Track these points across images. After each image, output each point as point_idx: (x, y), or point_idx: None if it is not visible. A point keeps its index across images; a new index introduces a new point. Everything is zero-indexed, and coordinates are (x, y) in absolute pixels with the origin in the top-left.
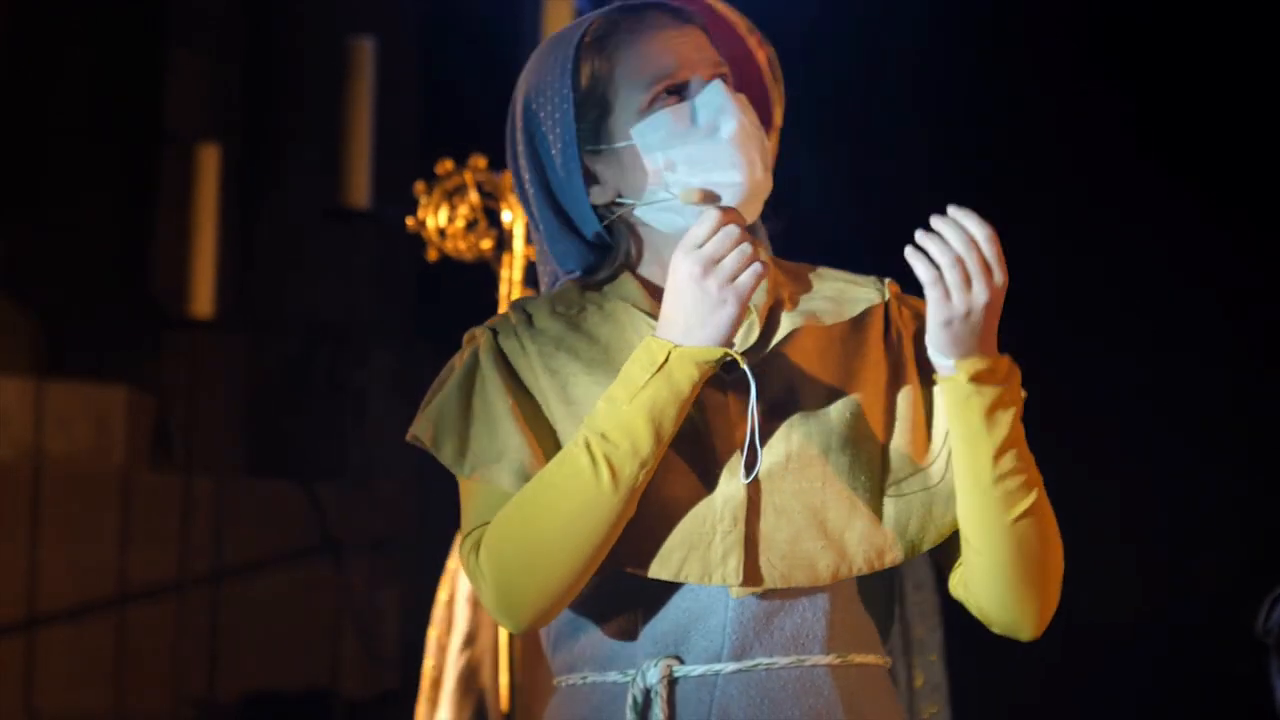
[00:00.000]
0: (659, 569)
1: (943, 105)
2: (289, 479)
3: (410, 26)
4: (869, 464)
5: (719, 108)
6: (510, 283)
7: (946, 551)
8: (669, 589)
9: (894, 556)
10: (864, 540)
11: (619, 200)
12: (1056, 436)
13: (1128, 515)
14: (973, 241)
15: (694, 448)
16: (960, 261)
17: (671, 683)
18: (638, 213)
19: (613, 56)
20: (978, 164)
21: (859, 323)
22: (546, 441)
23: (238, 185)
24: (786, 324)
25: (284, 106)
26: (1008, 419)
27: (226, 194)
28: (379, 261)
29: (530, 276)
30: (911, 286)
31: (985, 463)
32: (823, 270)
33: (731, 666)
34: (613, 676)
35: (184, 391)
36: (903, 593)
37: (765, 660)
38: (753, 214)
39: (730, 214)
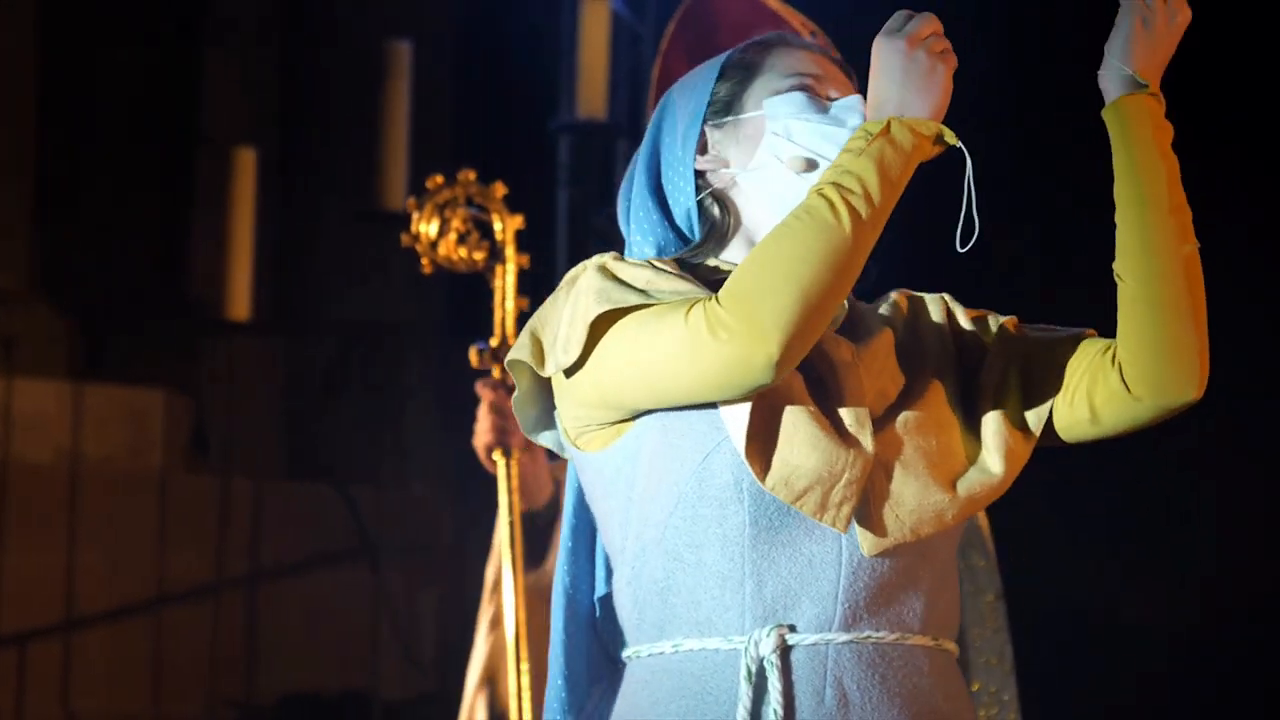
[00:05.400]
0: (784, 490)
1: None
2: (326, 481)
3: (447, 30)
4: (963, 413)
5: (851, 108)
6: (504, 290)
7: (1079, 373)
8: (776, 549)
9: (998, 490)
10: (981, 484)
11: (726, 173)
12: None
13: (1185, 519)
14: None
15: (828, 404)
16: None
17: (784, 652)
18: (740, 177)
19: (765, 53)
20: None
21: (928, 306)
22: None
23: (274, 188)
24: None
25: (320, 109)
26: (1173, 156)
27: (263, 197)
28: (414, 264)
29: (523, 285)
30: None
31: (1164, 188)
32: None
33: (843, 637)
34: (714, 643)
35: (221, 394)
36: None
37: (874, 634)
38: None
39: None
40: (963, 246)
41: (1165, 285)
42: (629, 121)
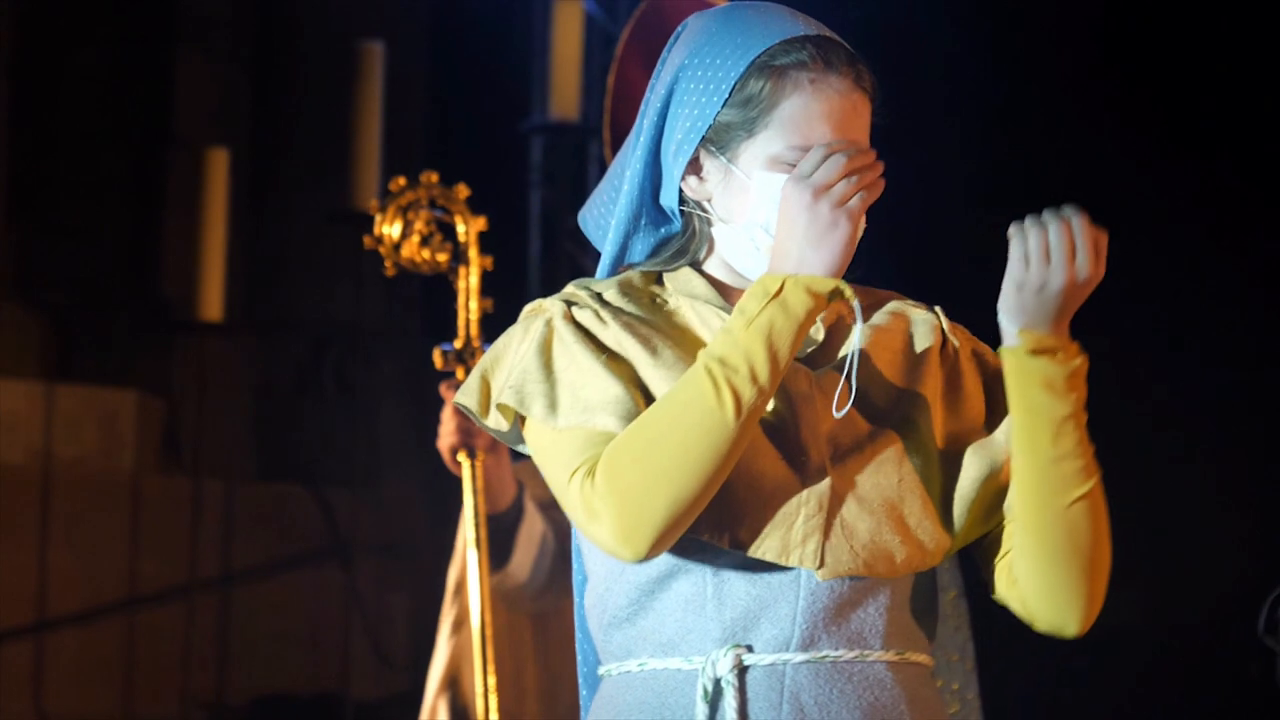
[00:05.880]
0: (739, 543)
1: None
2: (298, 482)
3: (419, 30)
4: (933, 464)
5: None
6: (467, 292)
7: (991, 551)
8: (738, 573)
9: (952, 549)
10: (933, 538)
11: (707, 206)
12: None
13: (1130, 515)
14: (1067, 226)
15: (782, 436)
16: (1046, 235)
17: (741, 671)
18: (717, 231)
19: (786, 88)
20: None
21: (920, 335)
22: (644, 396)
23: (246, 189)
24: (856, 334)
25: (292, 110)
26: (1069, 401)
27: (235, 197)
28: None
29: (487, 286)
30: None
31: (1043, 441)
32: (879, 291)
33: (800, 656)
34: (675, 663)
35: (193, 395)
36: None
37: (831, 652)
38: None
39: (838, 145)
40: (838, 411)
41: (1048, 538)
42: (601, 123)
